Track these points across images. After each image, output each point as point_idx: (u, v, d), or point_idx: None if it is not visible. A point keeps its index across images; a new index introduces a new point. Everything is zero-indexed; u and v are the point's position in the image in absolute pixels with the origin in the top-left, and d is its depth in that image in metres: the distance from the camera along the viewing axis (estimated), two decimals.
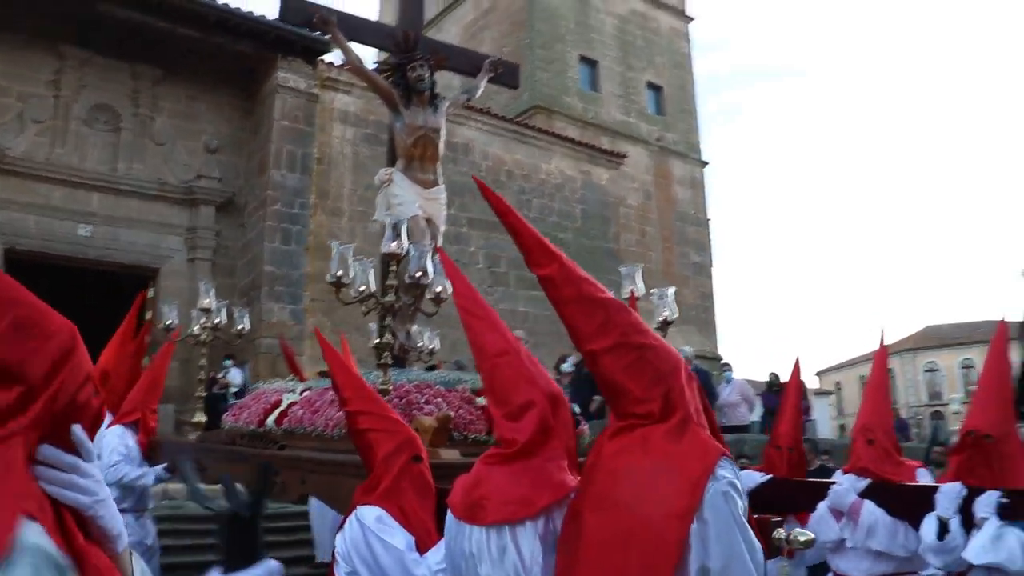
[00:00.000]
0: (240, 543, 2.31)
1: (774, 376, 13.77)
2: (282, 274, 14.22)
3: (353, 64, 6.39)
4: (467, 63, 7.16)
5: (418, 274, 5.07)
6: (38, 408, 1.33)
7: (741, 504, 2.00)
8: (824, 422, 40.16)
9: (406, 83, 6.14)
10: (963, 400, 45.39)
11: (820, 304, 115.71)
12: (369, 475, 2.97)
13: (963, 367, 53.78)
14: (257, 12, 14.44)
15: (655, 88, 27.10)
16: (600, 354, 2.18)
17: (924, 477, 4.75)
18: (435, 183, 6.13)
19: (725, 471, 2.01)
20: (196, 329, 6.40)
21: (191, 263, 14.40)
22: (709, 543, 1.94)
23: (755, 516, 2.20)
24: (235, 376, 12.36)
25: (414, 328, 5.89)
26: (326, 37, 6.76)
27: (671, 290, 5.09)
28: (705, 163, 27.67)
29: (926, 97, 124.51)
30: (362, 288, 5.05)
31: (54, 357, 1.34)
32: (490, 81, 6.92)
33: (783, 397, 5.47)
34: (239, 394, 10.46)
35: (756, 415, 14.01)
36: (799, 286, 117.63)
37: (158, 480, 5.03)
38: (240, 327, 6.60)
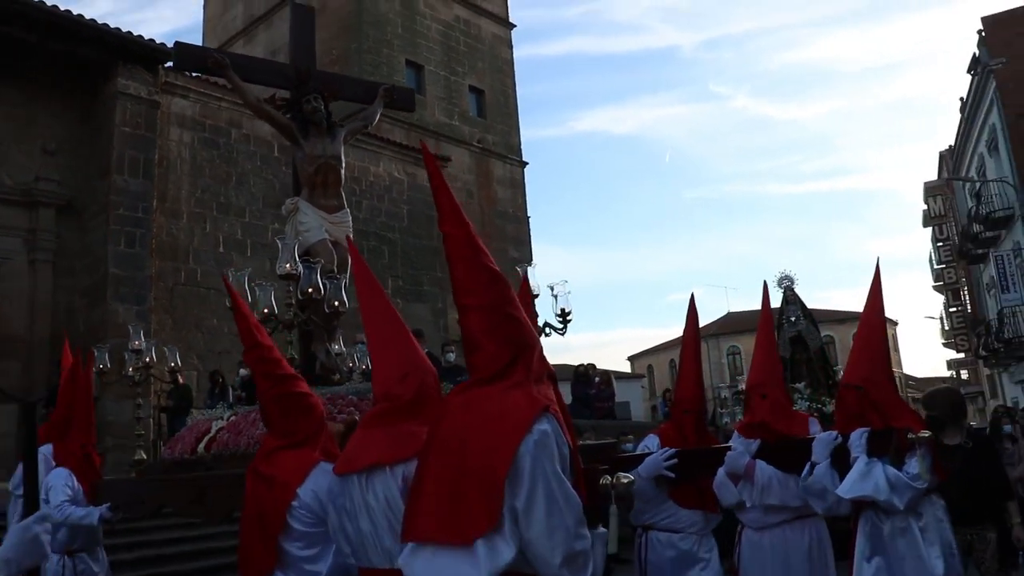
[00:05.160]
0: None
1: (582, 367, 15.54)
2: (127, 275, 14.67)
3: (250, 103, 6.55)
4: (362, 92, 7.41)
5: (309, 290, 5.44)
6: None
7: (556, 453, 2.25)
8: (637, 404, 42.78)
9: (303, 116, 6.36)
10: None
11: (631, 292, 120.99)
12: (300, 433, 3.30)
13: None
14: (100, 18, 14.70)
15: (477, 92, 28.50)
16: (472, 309, 2.42)
17: (814, 426, 4.84)
18: (339, 207, 6.38)
19: (543, 425, 2.25)
20: (130, 371, 6.39)
21: (31, 264, 14.61)
22: (517, 486, 2.18)
23: (584, 467, 2.51)
24: None
25: (335, 347, 6.12)
26: (221, 81, 6.97)
27: (567, 282, 5.37)
28: (525, 163, 29.37)
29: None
30: (265, 310, 5.44)
31: None
32: (386, 106, 7.16)
33: (682, 355, 5.14)
34: None
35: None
36: (611, 277, 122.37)
37: (102, 519, 4.91)
38: (172, 364, 6.65)
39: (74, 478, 5.11)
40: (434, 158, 2.77)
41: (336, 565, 3.01)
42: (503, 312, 2.41)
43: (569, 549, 2.19)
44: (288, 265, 5.41)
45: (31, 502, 2.45)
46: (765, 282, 5.20)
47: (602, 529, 2.58)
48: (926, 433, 4.02)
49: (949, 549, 4.07)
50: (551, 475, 2.20)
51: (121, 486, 5.61)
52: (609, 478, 2.61)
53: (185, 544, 8.71)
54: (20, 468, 6.46)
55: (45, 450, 5.58)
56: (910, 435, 3.98)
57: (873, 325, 4.50)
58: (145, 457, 6.34)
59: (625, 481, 2.63)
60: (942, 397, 4.74)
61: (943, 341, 45.07)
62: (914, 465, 3.94)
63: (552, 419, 2.29)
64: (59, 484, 5.03)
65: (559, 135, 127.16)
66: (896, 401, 4.29)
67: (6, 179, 14.67)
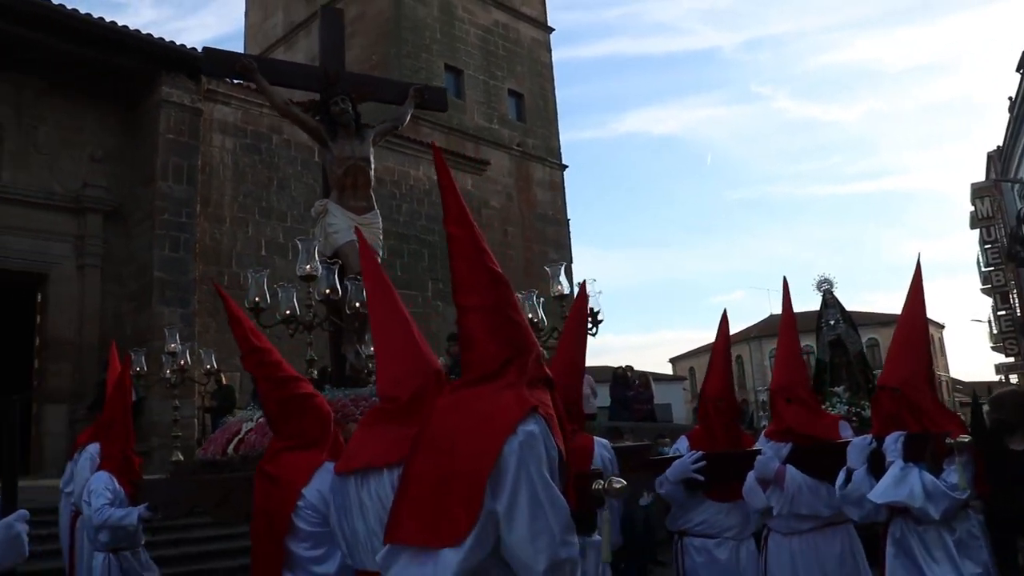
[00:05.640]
0: None
1: (620, 369, 15.56)
2: (172, 280, 14.95)
3: (278, 107, 6.55)
4: (394, 93, 7.35)
5: (327, 291, 5.38)
6: None
7: (544, 456, 2.14)
8: (678, 406, 42.59)
9: (331, 118, 6.28)
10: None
11: (672, 294, 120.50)
12: (306, 435, 3.31)
13: (804, 353, 57.15)
14: (143, 27, 15.03)
15: (516, 95, 28.65)
16: (471, 310, 2.35)
17: (845, 430, 4.64)
18: (368, 208, 6.28)
19: (530, 426, 2.14)
20: (167, 373, 6.44)
21: (80, 269, 14.99)
22: (499, 489, 2.08)
23: (576, 473, 2.41)
24: None
25: (366, 348, 6.00)
26: (251, 85, 6.78)
27: (595, 280, 5.23)
28: (564, 166, 29.46)
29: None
30: (287, 312, 5.39)
31: None
32: (418, 107, 7.08)
33: (712, 353, 5.05)
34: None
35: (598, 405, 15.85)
36: (653, 279, 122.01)
37: (140, 518, 5.05)
38: (208, 366, 6.52)
39: (115, 480, 5.23)
40: (444, 157, 2.68)
41: (344, 566, 2.94)
42: (504, 314, 2.34)
43: (554, 556, 2.06)
44: (308, 266, 5.39)
45: (9, 501, 2.41)
46: (784, 278, 4.99)
47: (597, 537, 2.47)
48: (966, 438, 3.77)
49: (986, 570, 3.79)
50: (536, 477, 2.09)
51: (158, 486, 5.71)
52: (602, 482, 2.42)
53: (227, 541, 8.86)
54: (69, 466, 6.70)
55: (93, 449, 5.85)
56: (948, 440, 3.73)
57: (912, 325, 4.25)
58: (182, 458, 6.40)
59: (617, 486, 2.41)
60: (1010, 399, 4.38)
61: (991, 345, 44.26)
62: (954, 474, 3.70)
63: (541, 420, 2.19)
64: (100, 487, 5.16)
65: (599, 136, 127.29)
66: (935, 404, 4.06)
67: (56, 187, 15.06)
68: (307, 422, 3.33)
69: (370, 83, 7.28)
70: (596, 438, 4.11)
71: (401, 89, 7.27)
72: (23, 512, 2.34)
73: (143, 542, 5.49)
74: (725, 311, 5.04)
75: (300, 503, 3.10)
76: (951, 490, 3.66)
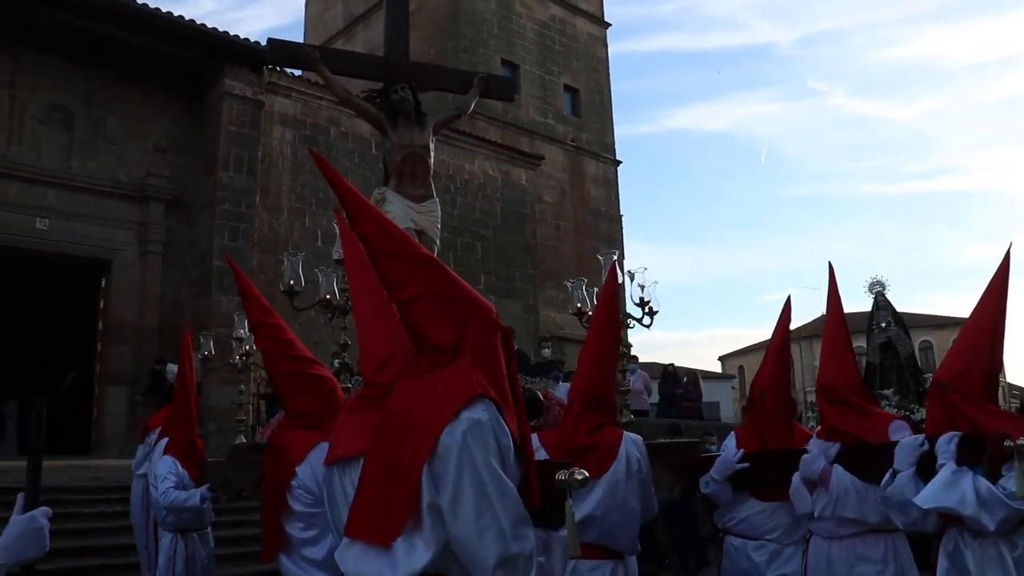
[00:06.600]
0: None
1: (670, 367, 15.57)
2: (230, 268, 15.17)
3: (339, 95, 6.73)
4: (455, 81, 7.42)
5: None
6: None
7: (492, 444, 2.02)
8: (727, 404, 42.32)
9: (391, 106, 6.37)
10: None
11: (723, 292, 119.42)
12: (314, 417, 3.26)
13: (856, 354, 56.33)
14: (202, 17, 15.36)
15: (572, 91, 28.64)
16: (407, 305, 2.24)
17: (901, 430, 4.17)
18: (427, 197, 6.37)
19: (476, 413, 2.03)
20: (236, 359, 6.67)
21: (143, 256, 15.42)
22: (441, 481, 1.97)
23: (539, 462, 2.32)
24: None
25: None
26: (321, 80, 6.99)
27: (646, 270, 5.40)
28: (618, 162, 29.40)
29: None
30: (327, 296, 5.60)
31: None
32: (484, 96, 7.10)
33: (770, 342, 4.77)
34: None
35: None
36: (703, 276, 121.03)
37: (203, 499, 5.15)
38: None
39: (178, 464, 5.38)
40: (328, 163, 2.57)
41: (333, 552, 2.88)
42: (436, 296, 2.21)
43: (504, 551, 1.95)
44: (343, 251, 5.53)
45: (32, 497, 2.37)
46: (830, 264, 4.60)
47: (563, 532, 2.36)
48: None
49: None
50: (482, 467, 1.97)
51: (216, 468, 5.90)
52: (565, 473, 2.27)
53: None
54: (140, 449, 6.87)
55: (163, 444, 5.87)
56: (1007, 442, 3.27)
57: (981, 320, 3.82)
58: (244, 441, 6.57)
59: (579, 478, 2.26)
60: None
61: None
62: (1011, 480, 3.25)
63: (490, 406, 2.07)
64: (164, 472, 5.32)
65: (652, 132, 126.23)
66: (989, 406, 3.65)
67: (121, 175, 15.48)
68: (312, 402, 3.30)
69: (432, 72, 7.41)
70: (627, 433, 3.90)
71: (463, 78, 7.32)
72: (46, 509, 2.33)
73: (212, 521, 5.62)
74: (789, 297, 4.74)
75: (293, 482, 3.06)
76: (1009, 498, 3.24)
